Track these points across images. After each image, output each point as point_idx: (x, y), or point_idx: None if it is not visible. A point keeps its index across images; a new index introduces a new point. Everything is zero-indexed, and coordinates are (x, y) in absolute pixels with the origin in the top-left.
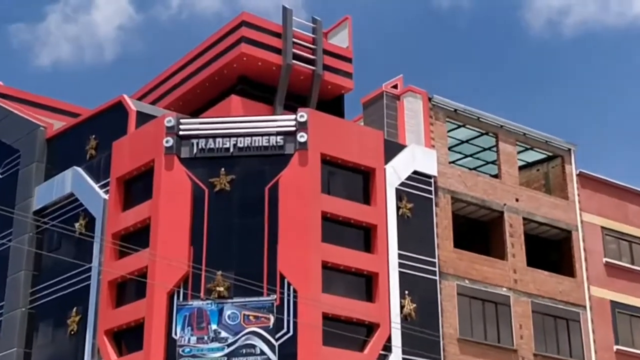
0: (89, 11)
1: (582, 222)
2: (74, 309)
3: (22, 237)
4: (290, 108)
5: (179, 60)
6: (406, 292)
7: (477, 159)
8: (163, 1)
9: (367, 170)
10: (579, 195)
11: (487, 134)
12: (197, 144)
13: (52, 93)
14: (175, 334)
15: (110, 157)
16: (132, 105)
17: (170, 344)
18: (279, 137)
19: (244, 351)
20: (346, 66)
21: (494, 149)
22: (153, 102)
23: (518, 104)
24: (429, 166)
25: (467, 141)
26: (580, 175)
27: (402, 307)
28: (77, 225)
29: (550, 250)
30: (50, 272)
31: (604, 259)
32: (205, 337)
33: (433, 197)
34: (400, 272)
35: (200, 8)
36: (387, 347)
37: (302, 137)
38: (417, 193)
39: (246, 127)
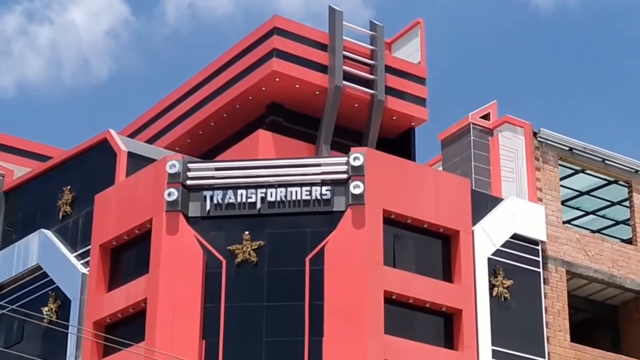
0: (66, 6)
1: None
2: None
3: None
4: (341, 147)
5: (186, 82)
6: None
7: (603, 217)
8: (154, 14)
9: (447, 234)
10: None
11: (616, 182)
12: (212, 197)
13: (12, 128)
14: None
15: (92, 216)
16: (122, 144)
17: None
18: (324, 188)
19: None
20: (418, 89)
21: (627, 203)
22: (150, 140)
23: None
24: (535, 228)
25: (588, 192)
26: None
27: None
28: (45, 310)
29: None
30: None
31: None
32: None
33: (541, 270)
34: None
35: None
36: None
37: (357, 187)
38: (518, 265)
39: (279, 174)
